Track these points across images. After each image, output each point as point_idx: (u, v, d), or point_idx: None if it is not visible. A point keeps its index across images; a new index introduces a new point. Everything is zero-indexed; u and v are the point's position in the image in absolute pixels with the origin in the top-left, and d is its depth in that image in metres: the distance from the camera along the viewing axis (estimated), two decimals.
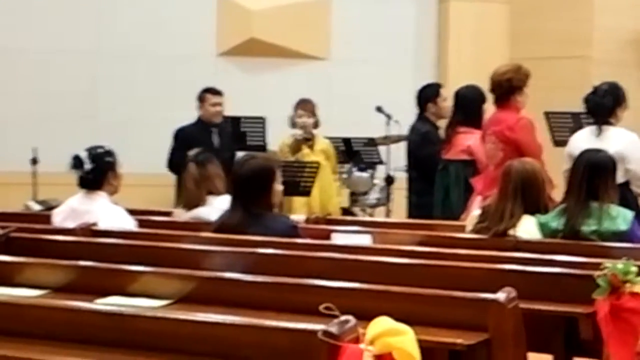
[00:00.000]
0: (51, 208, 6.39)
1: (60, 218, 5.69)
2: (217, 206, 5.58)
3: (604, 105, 6.44)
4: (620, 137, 6.35)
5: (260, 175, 5.14)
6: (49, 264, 4.36)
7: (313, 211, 7.91)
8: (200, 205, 5.88)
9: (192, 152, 6.06)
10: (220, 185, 5.82)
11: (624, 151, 6.17)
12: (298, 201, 8.34)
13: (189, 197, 5.98)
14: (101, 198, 5.62)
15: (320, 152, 8.60)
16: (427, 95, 7.96)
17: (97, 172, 5.59)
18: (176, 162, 7.80)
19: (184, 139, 8.43)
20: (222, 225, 5.22)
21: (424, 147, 7.75)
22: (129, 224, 5.63)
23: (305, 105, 8.56)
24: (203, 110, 8.68)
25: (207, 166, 5.92)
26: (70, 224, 5.51)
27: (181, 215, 6.02)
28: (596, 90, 6.51)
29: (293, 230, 5.18)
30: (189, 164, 5.93)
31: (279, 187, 5.24)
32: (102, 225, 5.47)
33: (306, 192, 8.13)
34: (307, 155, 8.49)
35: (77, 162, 5.60)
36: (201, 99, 8.70)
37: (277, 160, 5.51)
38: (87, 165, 5.57)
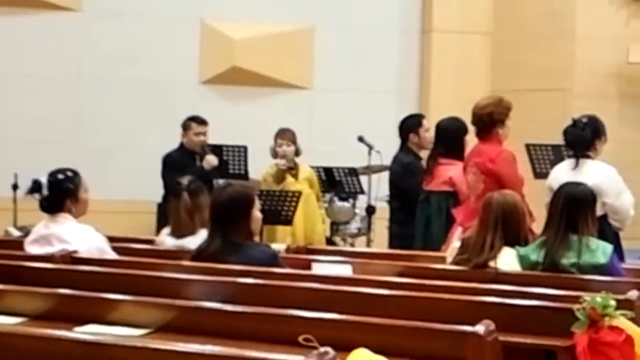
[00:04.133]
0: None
1: (31, 247, 5.61)
2: (204, 237, 5.46)
3: (582, 137, 6.46)
4: (598, 171, 6.37)
5: (238, 203, 5.12)
6: (27, 292, 4.33)
7: (297, 240, 7.88)
8: (190, 234, 5.83)
9: (184, 181, 6.00)
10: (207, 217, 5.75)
11: (600, 185, 6.18)
12: (282, 230, 8.32)
13: (180, 226, 5.90)
14: (66, 220, 5.55)
15: (304, 180, 8.62)
16: (409, 125, 7.98)
17: (54, 198, 5.53)
18: (171, 186, 7.70)
19: (172, 162, 8.45)
20: (200, 253, 5.21)
21: (406, 177, 7.76)
22: (98, 241, 5.57)
23: (284, 134, 8.58)
24: (187, 139, 8.68)
25: (199, 196, 5.86)
26: (41, 250, 5.46)
27: (167, 241, 5.96)
28: (575, 123, 6.52)
29: (273, 259, 5.16)
30: (183, 193, 5.89)
31: (258, 214, 5.22)
32: (74, 246, 5.42)
33: (287, 222, 8.10)
34: (291, 184, 8.49)
35: (35, 187, 5.55)
36: (185, 127, 8.70)
37: (255, 188, 5.47)
38: (45, 191, 5.52)
